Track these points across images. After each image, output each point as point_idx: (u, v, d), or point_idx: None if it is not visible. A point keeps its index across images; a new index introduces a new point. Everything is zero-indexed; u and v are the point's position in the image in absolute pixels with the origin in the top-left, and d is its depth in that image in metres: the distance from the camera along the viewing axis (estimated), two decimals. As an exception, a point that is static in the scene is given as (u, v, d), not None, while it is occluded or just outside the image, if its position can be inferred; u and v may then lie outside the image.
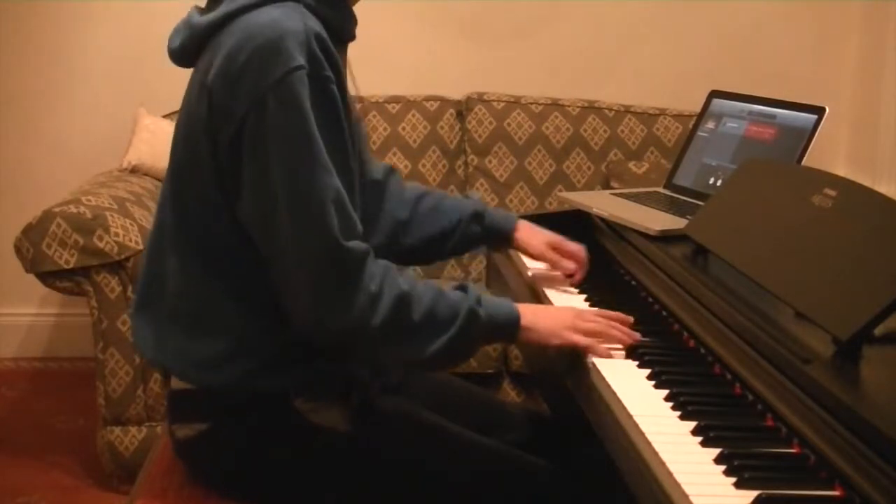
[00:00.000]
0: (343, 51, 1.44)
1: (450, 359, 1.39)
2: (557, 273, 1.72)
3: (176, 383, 1.44)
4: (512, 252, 1.84)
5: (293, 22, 1.27)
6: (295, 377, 1.39)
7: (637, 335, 1.42)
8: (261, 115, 1.26)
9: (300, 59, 1.26)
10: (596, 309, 1.50)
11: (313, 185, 1.27)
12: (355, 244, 1.30)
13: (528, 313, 1.41)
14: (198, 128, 1.32)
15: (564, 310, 1.48)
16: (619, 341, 1.40)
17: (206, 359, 1.38)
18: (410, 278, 1.36)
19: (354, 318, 1.30)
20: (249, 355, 1.37)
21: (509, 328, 1.40)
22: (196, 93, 1.34)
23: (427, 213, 1.68)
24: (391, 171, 1.72)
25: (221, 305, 1.37)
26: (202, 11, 1.38)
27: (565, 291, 1.67)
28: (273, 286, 1.33)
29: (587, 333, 1.40)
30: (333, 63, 1.31)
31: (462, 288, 1.40)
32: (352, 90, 1.47)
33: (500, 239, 1.74)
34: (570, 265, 1.70)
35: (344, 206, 1.30)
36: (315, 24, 1.30)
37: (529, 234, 1.72)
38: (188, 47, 1.38)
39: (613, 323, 1.42)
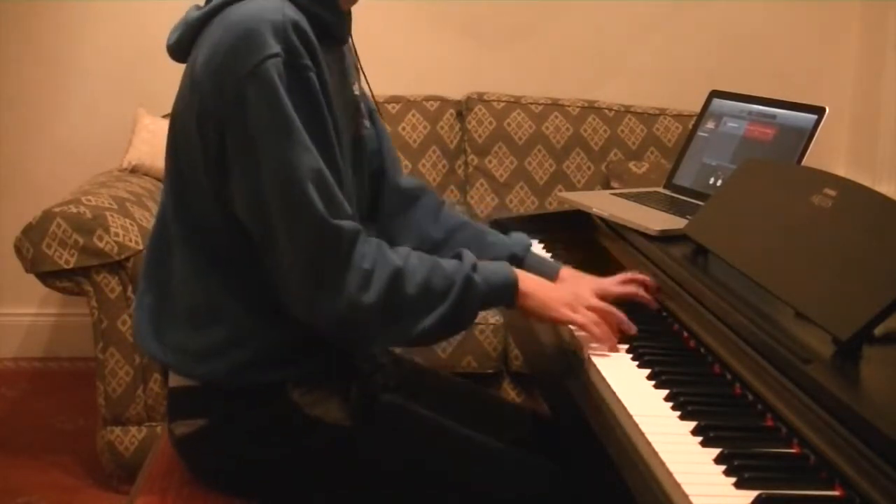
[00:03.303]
0: (337, 50, 1.45)
1: (449, 329, 1.39)
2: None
3: (174, 380, 1.45)
4: None
5: (271, 12, 1.29)
6: (293, 369, 1.40)
7: (634, 329, 1.42)
8: (241, 104, 1.27)
9: (276, 47, 1.27)
10: (600, 301, 1.49)
11: (294, 166, 1.27)
12: (345, 223, 1.31)
13: (526, 280, 1.42)
14: (189, 121, 1.34)
15: (563, 289, 1.48)
16: (598, 340, 1.40)
17: (204, 349, 1.38)
18: (404, 253, 1.36)
19: (348, 297, 1.30)
20: (247, 346, 1.37)
21: (507, 292, 1.41)
22: (187, 86, 1.36)
23: (464, 243, 1.59)
24: (424, 188, 1.70)
25: (221, 295, 1.38)
26: (198, 8, 1.40)
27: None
28: (268, 274, 1.34)
29: (583, 315, 1.40)
30: (312, 52, 1.32)
31: (457, 256, 1.41)
32: (363, 90, 1.47)
33: None
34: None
35: (327, 185, 1.30)
36: (295, 14, 1.31)
37: (573, 285, 1.53)
38: (183, 42, 1.40)
39: (609, 317, 1.43)
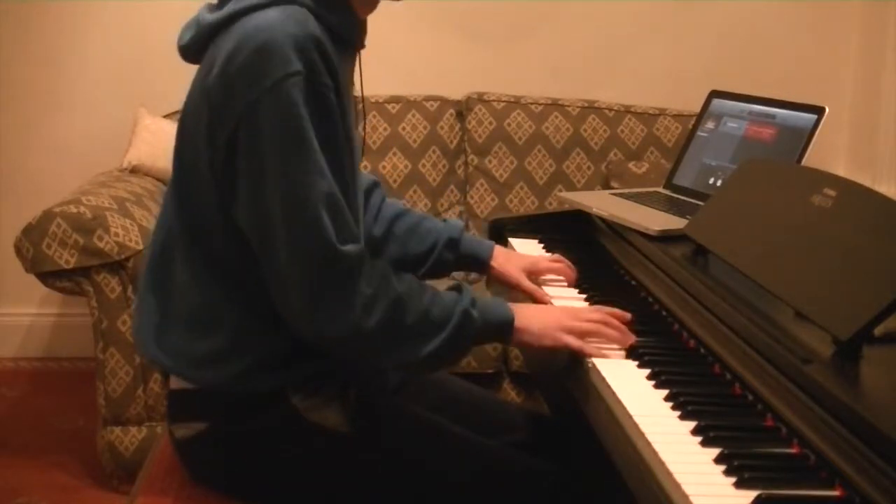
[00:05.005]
0: (350, 57, 1.44)
1: (443, 360, 1.39)
2: (561, 279, 1.69)
3: (175, 383, 1.45)
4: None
5: (293, 25, 1.27)
6: (293, 375, 1.40)
7: (633, 336, 1.42)
8: (255, 118, 1.26)
9: (297, 65, 1.25)
10: (595, 307, 1.50)
11: (308, 189, 1.27)
12: (351, 248, 1.30)
13: (522, 314, 1.42)
14: (198, 129, 1.33)
15: (558, 310, 1.48)
16: (614, 341, 1.40)
17: (204, 356, 1.38)
18: (406, 281, 1.36)
19: (349, 322, 1.30)
20: (247, 353, 1.37)
21: (503, 330, 1.41)
22: (197, 93, 1.34)
23: (402, 235, 1.67)
24: (375, 185, 1.71)
25: (221, 301, 1.37)
26: (212, 9, 1.37)
27: (565, 292, 1.67)
28: (269, 288, 1.33)
29: (580, 334, 1.40)
30: (332, 69, 1.30)
31: (457, 289, 1.40)
32: (356, 92, 1.47)
33: (474, 267, 1.72)
34: (545, 296, 1.61)
35: (339, 209, 1.29)
36: (316, 29, 1.29)
37: (505, 262, 1.68)
38: (195, 44, 1.38)
39: (610, 320, 1.42)
